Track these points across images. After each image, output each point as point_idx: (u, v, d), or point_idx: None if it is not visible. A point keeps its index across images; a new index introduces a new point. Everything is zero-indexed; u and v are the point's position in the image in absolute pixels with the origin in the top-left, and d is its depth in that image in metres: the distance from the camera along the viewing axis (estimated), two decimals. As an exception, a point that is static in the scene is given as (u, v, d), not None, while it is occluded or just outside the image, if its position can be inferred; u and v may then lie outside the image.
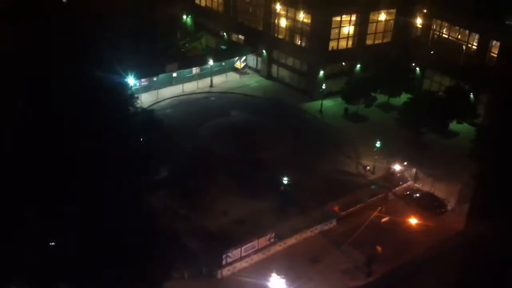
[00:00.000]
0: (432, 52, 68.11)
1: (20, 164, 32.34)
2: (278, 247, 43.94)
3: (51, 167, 32.98)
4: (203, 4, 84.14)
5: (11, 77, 33.96)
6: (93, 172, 33.94)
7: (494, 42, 61.24)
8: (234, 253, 41.68)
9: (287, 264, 41.72)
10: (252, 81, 74.89)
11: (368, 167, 54.25)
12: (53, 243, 33.57)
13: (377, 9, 70.19)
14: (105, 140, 36.56)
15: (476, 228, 38.27)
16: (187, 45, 79.00)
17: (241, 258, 42.08)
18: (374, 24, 71.01)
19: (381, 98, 65.90)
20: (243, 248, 42.10)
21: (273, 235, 43.86)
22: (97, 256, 31.32)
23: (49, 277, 31.89)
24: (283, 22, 71.65)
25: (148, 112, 54.32)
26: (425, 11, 69.40)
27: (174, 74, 69.91)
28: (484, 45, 62.22)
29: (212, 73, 72.11)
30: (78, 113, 36.54)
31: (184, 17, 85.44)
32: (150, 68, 66.16)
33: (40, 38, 35.57)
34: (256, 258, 42.72)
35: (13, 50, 34.88)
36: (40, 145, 33.50)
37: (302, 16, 68.52)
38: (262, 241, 43.27)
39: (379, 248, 42.67)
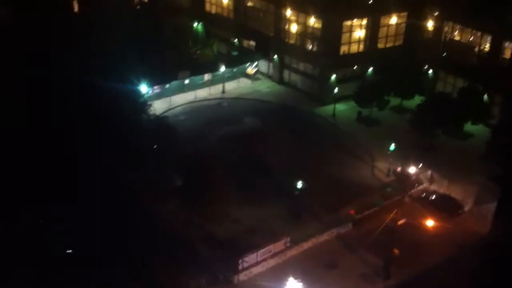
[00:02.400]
0: (444, 54, 67.78)
1: (37, 176, 32.74)
2: (294, 251, 43.73)
3: (67, 183, 33.34)
4: (213, 11, 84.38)
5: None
6: (104, 181, 34.24)
7: (507, 43, 60.82)
8: (250, 258, 41.52)
9: (303, 268, 41.44)
10: (264, 86, 74.86)
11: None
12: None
13: (388, 12, 70.06)
14: (117, 150, 36.89)
15: (497, 231, 37.89)
16: (198, 52, 79.23)
17: (257, 263, 41.90)
18: (385, 27, 70.82)
19: (394, 101, 65.66)
20: (259, 252, 41.95)
21: (288, 239, 43.68)
22: (108, 262, 31.56)
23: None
24: (294, 27, 71.60)
25: (160, 119, 54.67)
26: (436, 13, 69.05)
27: (186, 81, 70.04)
28: (497, 47, 61.80)
29: (224, 79, 72.14)
30: (90, 122, 36.90)
31: (195, 24, 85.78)
32: (162, 75, 66.44)
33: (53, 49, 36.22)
34: (272, 262, 42.52)
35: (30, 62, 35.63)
36: (52, 163, 33.91)
37: (312, 21, 68.48)
38: (278, 246, 43.11)
39: (396, 251, 42.35)
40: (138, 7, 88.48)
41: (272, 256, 42.66)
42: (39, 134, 35.56)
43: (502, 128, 52.41)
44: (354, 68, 70.56)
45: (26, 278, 33.06)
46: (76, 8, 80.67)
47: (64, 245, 34.68)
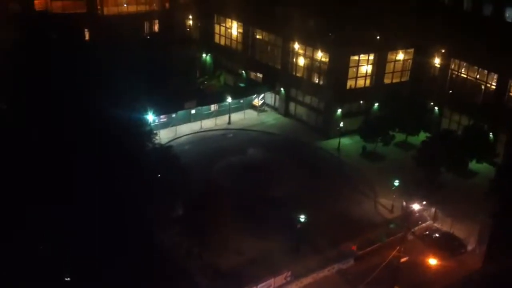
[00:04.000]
0: (450, 91, 68.01)
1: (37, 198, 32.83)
2: (294, 286, 43.28)
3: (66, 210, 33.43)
4: (222, 43, 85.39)
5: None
6: (106, 208, 34.24)
7: (514, 82, 61.11)
8: (250, 292, 41.17)
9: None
10: (270, 118, 75.22)
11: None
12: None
13: (395, 48, 70.71)
14: (121, 178, 36.97)
15: (494, 266, 37.54)
16: (205, 82, 79.90)
17: (257, 297, 41.52)
18: (392, 63, 71.38)
19: (399, 136, 65.66)
20: (258, 286, 41.54)
21: (289, 273, 43.26)
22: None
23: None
24: (301, 61, 72.28)
25: (165, 148, 54.74)
26: (443, 50, 69.50)
27: (193, 111, 70.53)
28: (503, 85, 61.98)
29: (230, 110, 72.62)
30: (94, 149, 37.12)
31: (204, 55, 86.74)
32: (169, 105, 66.95)
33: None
34: (272, 297, 42.13)
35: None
36: (57, 186, 34.06)
37: (320, 55, 69.11)
38: (278, 280, 42.67)
39: (397, 289, 41.89)
40: (148, 37, 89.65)
41: (271, 291, 42.28)
42: (45, 158, 35.77)
43: (506, 168, 52.11)
44: (360, 102, 70.83)
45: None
46: (87, 36, 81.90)
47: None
